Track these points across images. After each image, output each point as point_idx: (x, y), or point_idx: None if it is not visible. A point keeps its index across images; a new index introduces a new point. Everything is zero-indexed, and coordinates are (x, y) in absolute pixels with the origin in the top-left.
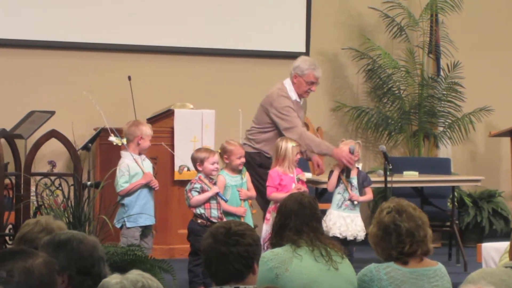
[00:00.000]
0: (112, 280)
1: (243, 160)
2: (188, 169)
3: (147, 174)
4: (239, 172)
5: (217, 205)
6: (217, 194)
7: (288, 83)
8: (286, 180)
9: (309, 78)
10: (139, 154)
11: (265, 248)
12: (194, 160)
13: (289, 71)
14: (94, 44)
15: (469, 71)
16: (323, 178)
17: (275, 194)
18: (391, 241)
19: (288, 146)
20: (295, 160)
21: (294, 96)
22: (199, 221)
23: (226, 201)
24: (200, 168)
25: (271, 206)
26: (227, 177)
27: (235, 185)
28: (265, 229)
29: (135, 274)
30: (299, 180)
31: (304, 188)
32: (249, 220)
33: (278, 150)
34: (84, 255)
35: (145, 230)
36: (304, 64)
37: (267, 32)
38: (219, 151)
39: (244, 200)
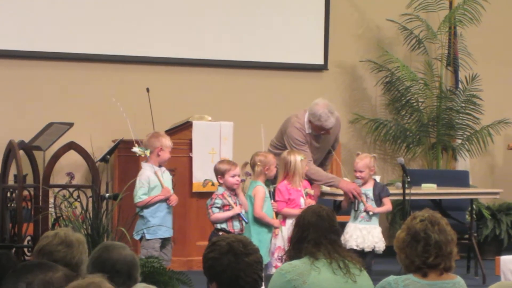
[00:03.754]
0: None
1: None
2: (213, 184)
3: (166, 189)
4: (266, 184)
5: (239, 217)
6: (238, 215)
7: (307, 116)
8: (294, 194)
9: (319, 128)
10: (159, 166)
11: (283, 261)
12: (215, 172)
13: (307, 84)
14: (113, 56)
15: (487, 83)
16: (341, 191)
17: (286, 210)
18: (417, 248)
19: (297, 160)
20: (305, 173)
21: (309, 129)
22: (220, 233)
23: (246, 222)
24: (221, 181)
25: (280, 220)
26: (265, 189)
27: (268, 197)
28: (273, 243)
29: (141, 286)
30: (307, 194)
31: (313, 202)
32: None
33: (288, 164)
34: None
35: (164, 242)
36: (318, 112)
37: (285, 45)
38: (258, 163)
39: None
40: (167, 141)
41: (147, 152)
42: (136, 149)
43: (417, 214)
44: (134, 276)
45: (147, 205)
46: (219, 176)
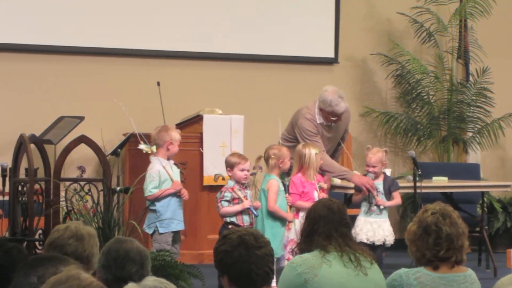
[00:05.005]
0: None
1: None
2: (223, 178)
3: (176, 183)
4: (281, 176)
5: (248, 210)
6: (248, 209)
7: (317, 106)
8: (308, 187)
9: (331, 114)
10: (168, 159)
11: (294, 254)
12: (226, 164)
13: (317, 77)
14: (124, 50)
15: (498, 76)
16: (352, 184)
17: (300, 202)
18: (428, 241)
19: (312, 153)
20: (319, 166)
21: (320, 119)
22: (229, 226)
23: (256, 216)
24: (229, 174)
25: (293, 213)
26: (279, 182)
27: (283, 190)
28: (286, 236)
29: (151, 280)
30: (320, 188)
31: (325, 196)
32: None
33: (302, 157)
34: None
35: (175, 236)
36: (328, 98)
37: (296, 38)
38: (272, 156)
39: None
40: (176, 135)
41: (154, 148)
42: (142, 146)
43: (429, 207)
44: (147, 267)
45: (157, 199)
46: (228, 168)
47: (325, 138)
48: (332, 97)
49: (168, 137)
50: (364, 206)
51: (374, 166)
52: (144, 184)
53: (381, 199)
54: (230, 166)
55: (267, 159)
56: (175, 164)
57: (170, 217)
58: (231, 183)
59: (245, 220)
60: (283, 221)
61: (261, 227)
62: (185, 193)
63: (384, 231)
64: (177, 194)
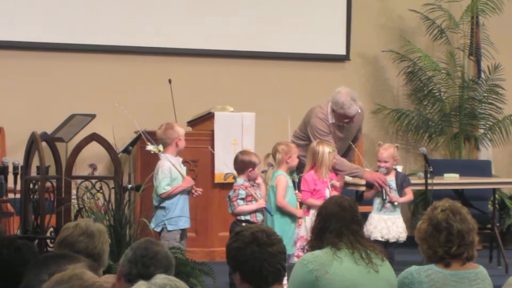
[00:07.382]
0: (141, 287)
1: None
2: (234, 178)
3: (188, 179)
4: (290, 173)
5: (263, 209)
6: (264, 208)
7: (330, 105)
8: (320, 185)
9: (342, 116)
10: (176, 156)
11: (305, 251)
12: (247, 164)
13: (329, 75)
14: (135, 47)
15: (510, 73)
16: (363, 181)
17: (311, 200)
18: (439, 239)
19: (325, 151)
20: (331, 165)
21: (332, 119)
22: (243, 223)
23: (271, 215)
24: (250, 174)
25: (304, 210)
26: (288, 178)
27: (291, 186)
28: (296, 232)
29: (161, 278)
30: (332, 186)
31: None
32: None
33: (316, 155)
34: None
35: (182, 233)
36: (340, 100)
37: (307, 35)
38: (280, 151)
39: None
40: (181, 129)
41: (160, 147)
42: (150, 147)
43: (438, 204)
44: (170, 274)
45: (169, 196)
46: (250, 168)
47: (337, 137)
48: (345, 99)
49: (175, 133)
50: (377, 203)
51: (386, 161)
52: (155, 181)
53: (394, 195)
54: (252, 165)
55: (274, 154)
56: (183, 162)
57: (179, 215)
58: (240, 180)
59: (258, 217)
60: (292, 217)
61: (270, 224)
62: (199, 191)
63: (398, 227)
64: (186, 191)
